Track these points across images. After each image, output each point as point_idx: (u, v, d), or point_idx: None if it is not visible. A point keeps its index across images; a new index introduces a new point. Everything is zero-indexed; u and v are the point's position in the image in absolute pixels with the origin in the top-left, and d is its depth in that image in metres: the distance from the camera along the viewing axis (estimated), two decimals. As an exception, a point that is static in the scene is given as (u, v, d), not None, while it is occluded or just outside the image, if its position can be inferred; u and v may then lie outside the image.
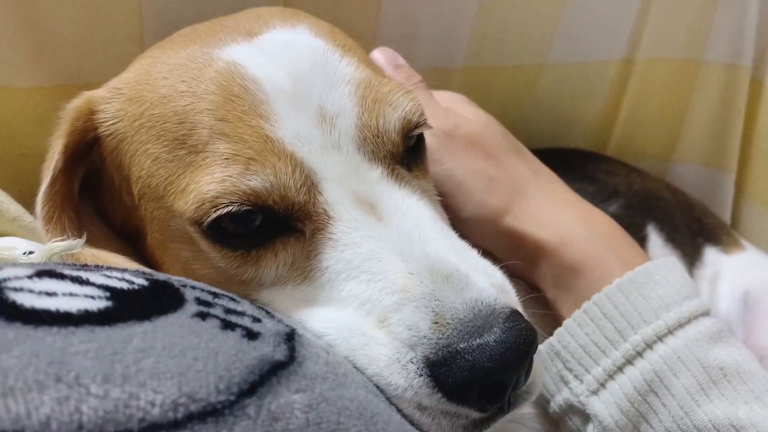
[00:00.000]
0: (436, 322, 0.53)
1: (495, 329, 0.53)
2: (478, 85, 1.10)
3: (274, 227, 0.59)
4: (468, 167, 0.75)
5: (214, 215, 0.57)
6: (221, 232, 0.59)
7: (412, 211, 0.61)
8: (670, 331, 0.66)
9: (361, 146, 0.61)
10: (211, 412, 0.37)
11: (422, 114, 0.65)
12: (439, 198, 0.71)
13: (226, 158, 0.57)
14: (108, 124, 0.64)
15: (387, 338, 0.54)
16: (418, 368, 0.53)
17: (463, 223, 0.75)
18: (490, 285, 0.57)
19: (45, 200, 0.63)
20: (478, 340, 0.52)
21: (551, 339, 0.70)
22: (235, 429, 0.37)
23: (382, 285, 0.56)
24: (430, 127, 0.68)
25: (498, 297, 0.56)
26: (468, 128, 0.77)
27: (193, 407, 0.37)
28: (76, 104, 0.66)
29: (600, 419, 0.66)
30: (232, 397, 0.39)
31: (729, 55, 1.14)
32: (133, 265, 0.61)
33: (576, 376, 0.68)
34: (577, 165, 1.13)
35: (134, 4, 0.83)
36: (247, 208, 0.57)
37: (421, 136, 0.68)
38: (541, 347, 0.69)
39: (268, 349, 0.45)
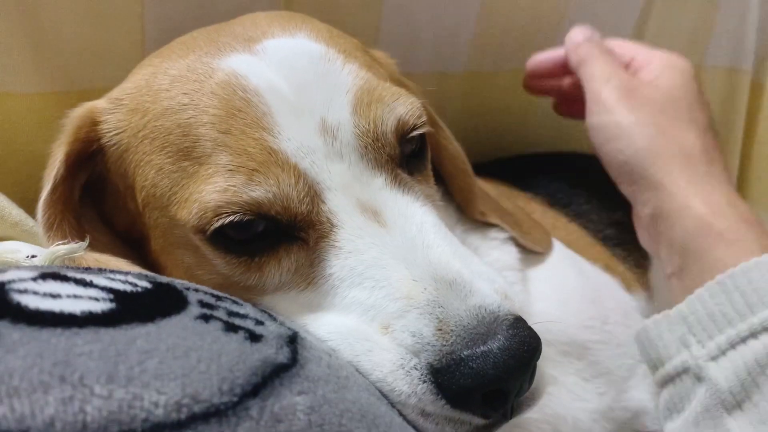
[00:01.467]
0: (440, 329, 0.53)
1: (498, 336, 0.53)
2: (480, 90, 1.10)
3: (277, 234, 0.59)
4: (652, 123, 0.82)
5: (217, 224, 0.57)
6: (224, 239, 0.59)
7: (416, 218, 0.61)
8: None
9: (364, 155, 0.61)
10: (214, 413, 0.38)
11: (420, 116, 0.65)
12: (442, 203, 0.71)
13: (230, 170, 0.57)
14: (111, 134, 0.65)
15: (391, 344, 0.55)
16: (421, 375, 0.53)
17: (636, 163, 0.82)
18: (493, 291, 0.57)
19: (46, 207, 0.63)
20: (481, 347, 0.52)
21: (681, 305, 0.73)
22: (237, 430, 0.38)
23: (386, 291, 0.56)
24: (429, 130, 0.67)
25: (502, 304, 0.56)
26: (652, 94, 0.84)
27: (196, 408, 0.37)
28: (78, 113, 0.66)
29: (714, 383, 0.68)
30: (235, 399, 0.39)
31: (730, 59, 1.14)
32: (136, 269, 0.61)
33: (699, 341, 0.70)
34: (579, 169, 1.13)
35: (136, 11, 0.84)
36: (250, 217, 0.57)
37: (423, 142, 0.68)
38: (669, 311, 0.73)
39: (271, 351, 0.45)
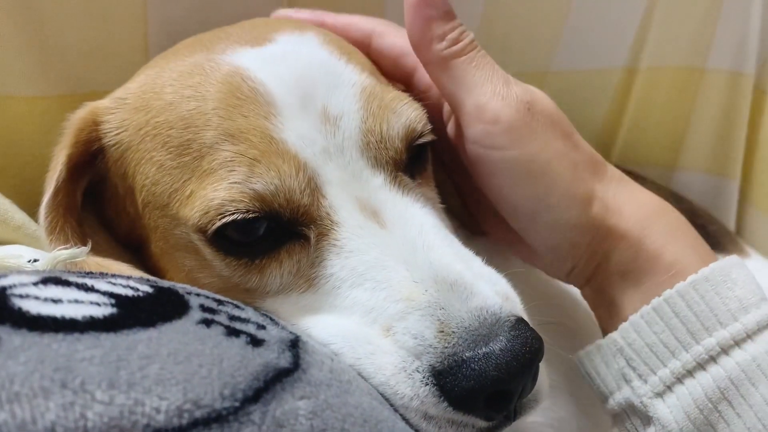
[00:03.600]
0: (442, 331, 0.53)
1: (500, 338, 0.53)
2: (482, 93, 1.10)
3: (278, 235, 0.59)
4: (553, 150, 0.66)
5: (219, 223, 0.57)
6: (225, 241, 0.59)
7: (416, 219, 0.61)
8: (749, 336, 0.60)
9: (364, 151, 0.61)
10: (216, 419, 0.38)
11: (426, 124, 0.65)
12: (443, 206, 0.71)
13: (231, 160, 0.57)
14: (112, 134, 0.65)
15: (393, 347, 0.54)
16: (423, 377, 0.53)
17: (545, 211, 0.67)
18: (494, 293, 0.57)
19: (48, 211, 0.63)
20: (483, 348, 0.52)
21: (614, 334, 0.65)
22: (239, 435, 0.38)
23: (387, 293, 0.56)
24: (435, 138, 0.67)
25: (503, 305, 0.56)
26: (544, 102, 0.68)
27: (197, 413, 0.37)
28: (80, 115, 0.66)
29: (663, 423, 0.61)
30: (237, 404, 0.39)
31: (732, 63, 1.14)
32: (137, 273, 0.61)
33: (640, 376, 0.63)
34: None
35: (140, 14, 0.84)
36: (254, 215, 0.57)
37: (424, 145, 0.68)
38: (602, 341, 0.66)
39: (273, 355, 0.45)
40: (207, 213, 0.57)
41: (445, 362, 0.53)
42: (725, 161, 1.20)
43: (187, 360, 0.40)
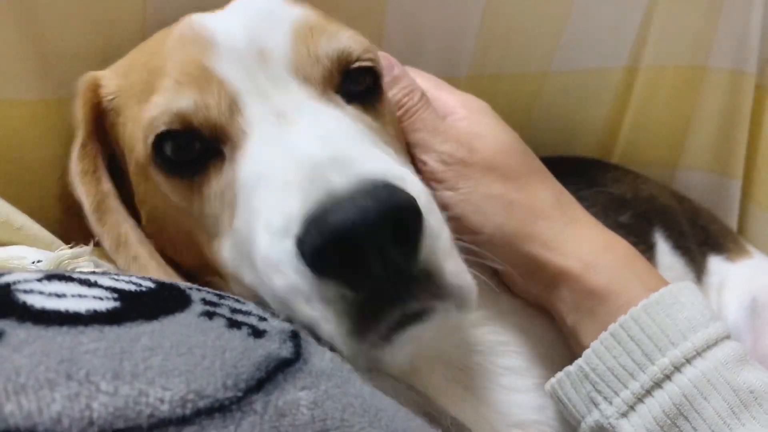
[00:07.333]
0: (307, 201, 0.51)
1: (354, 193, 0.49)
2: (483, 93, 1.09)
3: (209, 155, 0.62)
4: (485, 192, 0.73)
5: (152, 138, 0.62)
6: (166, 161, 0.63)
7: (325, 116, 0.61)
8: (699, 354, 0.64)
9: (293, 71, 0.63)
10: (219, 408, 0.38)
11: (367, 51, 0.68)
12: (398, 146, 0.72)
13: (166, 87, 0.62)
14: (108, 99, 0.70)
15: (265, 237, 0.54)
16: (293, 251, 0.51)
17: (484, 244, 0.72)
18: (384, 170, 0.53)
19: (80, 157, 0.68)
20: (335, 204, 0.49)
21: (579, 360, 0.68)
22: (242, 424, 0.38)
23: (273, 187, 0.55)
24: (377, 64, 0.70)
25: (384, 174, 0.52)
26: (484, 152, 0.75)
27: (201, 403, 0.37)
28: (84, 79, 0.71)
29: None
30: (240, 393, 0.39)
31: (733, 62, 1.14)
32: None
33: (605, 398, 0.67)
34: (583, 173, 1.13)
35: (138, 18, 0.84)
36: (176, 128, 0.61)
37: (376, 82, 0.70)
38: (570, 368, 0.69)
39: (274, 346, 0.45)
40: (145, 132, 0.62)
41: (303, 228, 0.50)
42: (727, 160, 1.20)
43: (189, 351, 0.40)
